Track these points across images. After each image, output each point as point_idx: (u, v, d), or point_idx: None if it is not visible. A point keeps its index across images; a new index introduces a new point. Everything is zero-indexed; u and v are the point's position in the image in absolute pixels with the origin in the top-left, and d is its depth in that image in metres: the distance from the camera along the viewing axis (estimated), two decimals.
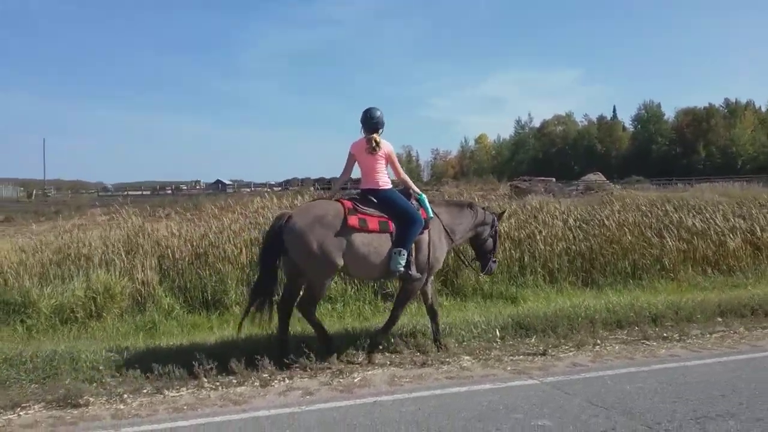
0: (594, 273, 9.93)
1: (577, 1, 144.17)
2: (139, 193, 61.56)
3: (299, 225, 5.54)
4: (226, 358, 5.41)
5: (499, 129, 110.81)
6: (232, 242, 8.81)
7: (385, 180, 6.07)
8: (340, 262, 5.63)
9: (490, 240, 6.88)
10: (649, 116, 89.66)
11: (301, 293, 5.94)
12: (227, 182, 76.94)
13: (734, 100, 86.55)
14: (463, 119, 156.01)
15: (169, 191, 70.40)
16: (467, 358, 5.88)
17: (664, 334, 6.66)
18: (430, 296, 6.43)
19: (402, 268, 5.78)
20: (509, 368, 5.57)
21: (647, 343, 6.40)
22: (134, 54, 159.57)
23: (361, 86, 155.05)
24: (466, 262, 7.57)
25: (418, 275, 5.99)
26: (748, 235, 11.17)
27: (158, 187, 70.13)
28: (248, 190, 60.86)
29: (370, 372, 5.50)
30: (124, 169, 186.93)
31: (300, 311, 5.89)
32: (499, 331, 6.65)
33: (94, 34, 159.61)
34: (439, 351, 6.06)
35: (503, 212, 7.63)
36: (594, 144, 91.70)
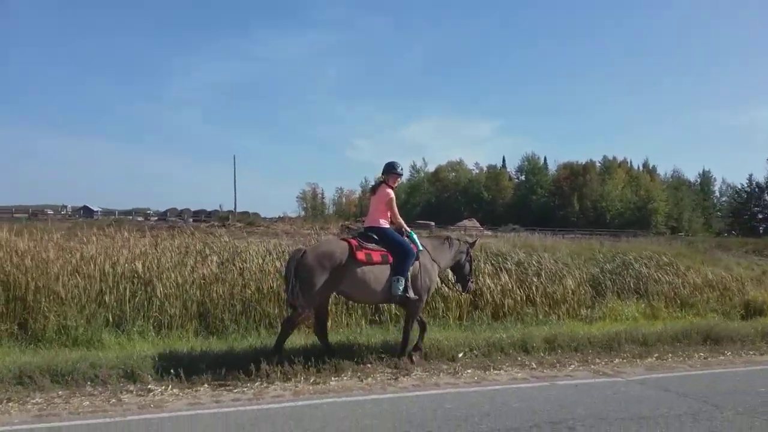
0: (220, 319, 9.21)
1: (500, 59, 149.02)
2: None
3: (308, 260, 6.63)
4: None
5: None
6: None
7: (384, 221, 7.26)
8: (332, 289, 6.87)
9: (467, 265, 8.08)
10: (530, 168, 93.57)
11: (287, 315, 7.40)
12: (95, 209, 72.73)
13: (612, 157, 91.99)
14: (385, 161, 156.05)
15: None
16: None
17: None
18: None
19: (401, 292, 6.92)
20: None
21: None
22: (58, 75, 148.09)
23: (287, 123, 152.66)
24: (449, 285, 9.02)
25: (416, 297, 7.14)
26: None
27: (14, 211, 65.17)
28: (113, 217, 57.94)
29: None
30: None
31: (281, 326, 7.12)
32: None
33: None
34: (412, 361, 7.13)
35: (474, 241, 8.66)
36: (481, 192, 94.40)
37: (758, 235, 60.15)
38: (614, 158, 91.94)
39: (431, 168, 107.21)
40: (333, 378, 6.54)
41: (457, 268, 8.07)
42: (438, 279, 8.08)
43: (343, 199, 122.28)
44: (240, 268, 10.19)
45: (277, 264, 10.40)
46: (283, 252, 11.11)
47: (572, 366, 7.54)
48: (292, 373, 6.44)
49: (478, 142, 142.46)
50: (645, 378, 6.99)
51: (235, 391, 6.01)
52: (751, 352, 8.79)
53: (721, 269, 19.95)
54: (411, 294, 7.04)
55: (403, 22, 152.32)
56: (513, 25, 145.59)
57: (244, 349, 7.36)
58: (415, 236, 7.36)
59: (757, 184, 75.45)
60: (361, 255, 6.80)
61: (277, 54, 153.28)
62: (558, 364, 7.56)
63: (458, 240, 8.17)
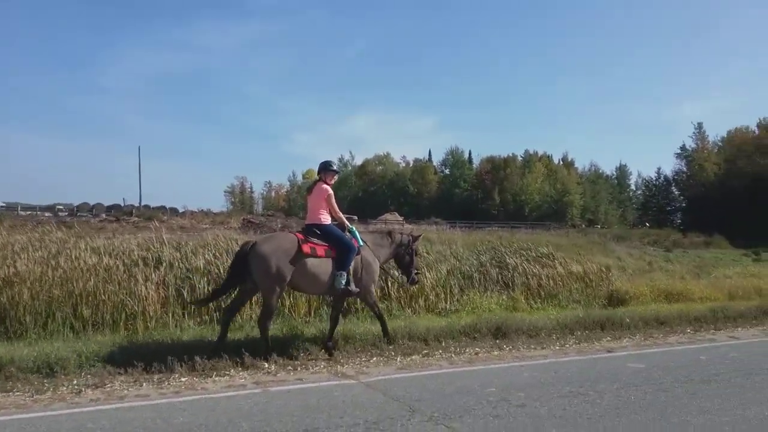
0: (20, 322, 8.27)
1: (436, 59, 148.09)
2: None
3: (263, 250, 6.92)
4: None
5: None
6: None
7: (326, 217, 7.52)
8: (289, 278, 7.02)
9: (407, 257, 8.41)
10: (454, 162, 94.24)
11: (260, 310, 7.50)
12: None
13: (533, 151, 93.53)
14: (323, 156, 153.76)
15: None
16: None
17: None
18: (371, 305, 7.99)
19: (343, 286, 7.29)
20: None
21: None
22: None
23: (226, 115, 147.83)
24: (393, 277, 9.64)
25: (357, 290, 7.51)
26: None
27: None
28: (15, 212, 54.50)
29: None
30: None
31: (258, 325, 7.19)
32: None
33: None
34: (389, 344, 7.83)
35: (419, 235, 9.07)
36: (407, 185, 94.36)
37: (666, 226, 62.63)
38: (535, 152, 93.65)
39: (359, 161, 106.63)
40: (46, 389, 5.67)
41: (398, 260, 8.45)
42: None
43: (272, 194, 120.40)
44: (56, 266, 9.16)
45: (106, 260, 9.48)
46: (122, 250, 10.09)
47: (317, 368, 6.91)
48: None
49: (415, 137, 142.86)
50: (378, 380, 6.38)
51: None
52: (533, 347, 8.41)
53: (611, 259, 20.22)
54: (353, 287, 7.41)
55: (343, 13, 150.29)
56: (453, 18, 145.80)
57: None
58: (356, 232, 7.70)
59: (665, 177, 78.57)
60: (306, 248, 7.09)
61: (216, 44, 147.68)
62: (301, 367, 6.90)
63: (400, 234, 8.56)
